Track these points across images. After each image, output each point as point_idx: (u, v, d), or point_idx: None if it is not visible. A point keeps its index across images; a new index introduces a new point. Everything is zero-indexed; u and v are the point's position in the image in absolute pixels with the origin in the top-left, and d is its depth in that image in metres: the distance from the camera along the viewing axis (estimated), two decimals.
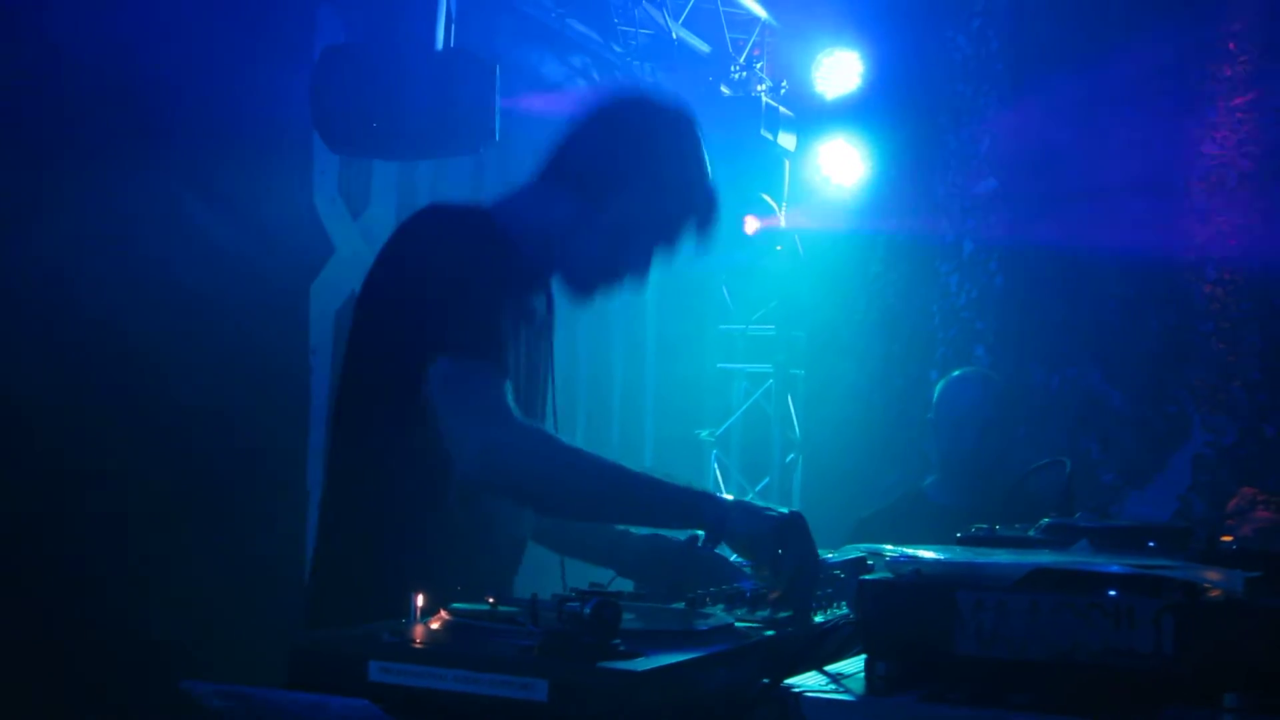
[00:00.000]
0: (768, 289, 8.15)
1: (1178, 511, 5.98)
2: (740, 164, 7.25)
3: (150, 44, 4.36)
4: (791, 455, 8.12)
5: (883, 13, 7.17)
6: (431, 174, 5.92)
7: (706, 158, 2.76)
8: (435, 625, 1.86)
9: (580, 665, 1.62)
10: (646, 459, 7.80)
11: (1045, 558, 1.98)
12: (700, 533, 2.55)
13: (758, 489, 8.03)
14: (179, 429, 4.44)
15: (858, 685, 1.86)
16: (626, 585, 2.66)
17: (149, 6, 4.35)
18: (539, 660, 1.65)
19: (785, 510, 2.44)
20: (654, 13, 7.22)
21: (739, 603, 2.23)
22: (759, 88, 7.75)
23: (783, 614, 2.19)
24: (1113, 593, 1.78)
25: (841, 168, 7.56)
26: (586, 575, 2.56)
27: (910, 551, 2.03)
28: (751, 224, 7.60)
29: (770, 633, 2.05)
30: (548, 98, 6.71)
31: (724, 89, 7.80)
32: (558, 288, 2.83)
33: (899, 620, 1.87)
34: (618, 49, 7.24)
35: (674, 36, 7.30)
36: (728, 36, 7.76)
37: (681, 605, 2.16)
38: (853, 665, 1.97)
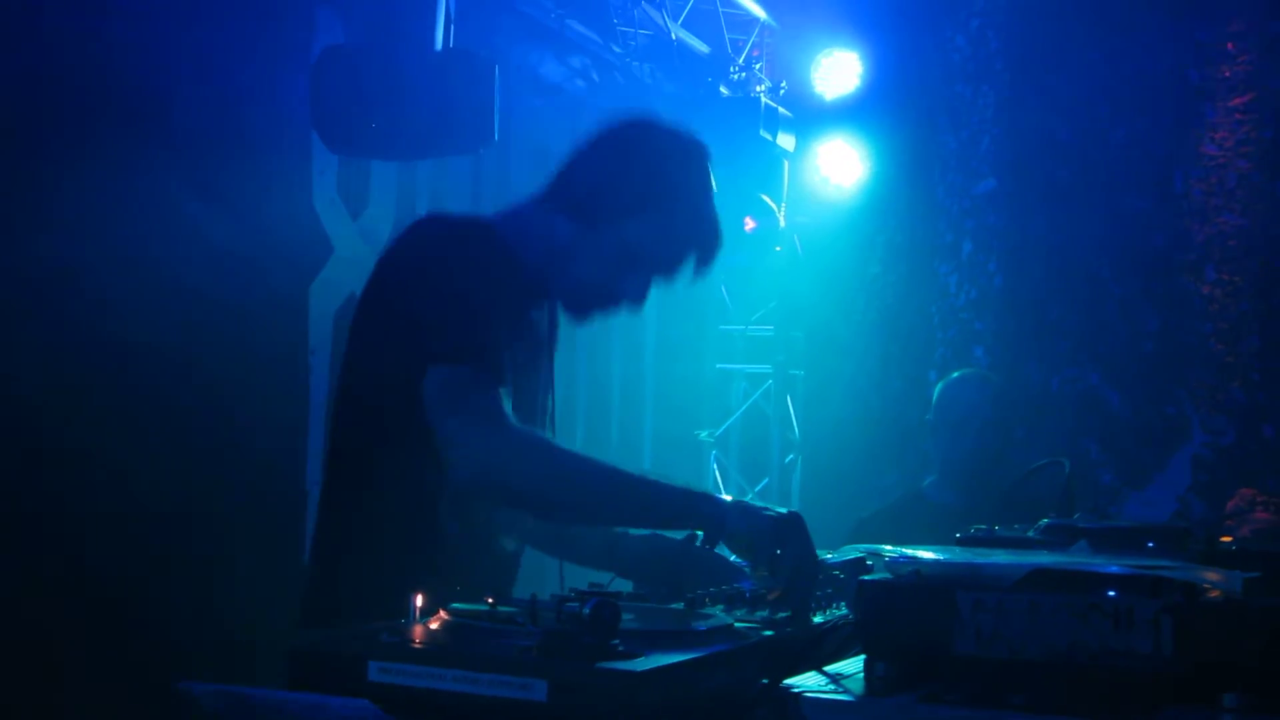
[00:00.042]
0: (767, 289, 8.15)
1: (1177, 512, 5.98)
2: (739, 164, 7.25)
3: (149, 44, 4.36)
4: (790, 456, 8.12)
5: (882, 13, 7.17)
6: (431, 174, 5.92)
7: (714, 191, 2.74)
8: (435, 625, 1.86)
9: (579, 665, 1.62)
10: (645, 459, 7.80)
11: (1044, 558, 1.98)
12: (699, 532, 2.55)
13: (757, 489, 8.03)
14: (178, 429, 4.44)
15: (857, 685, 1.86)
16: (626, 586, 2.66)
17: (148, 7, 4.35)
18: (538, 660, 1.65)
19: (783, 510, 2.44)
20: (653, 13, 7.22)
21: (738, 603, 2.23)
22: (758, 88, 7.75)
23: (781, 614, 2.19)
24: (1112, 593, 1.78)
25: (841, 168, 7.56)
26: (585, 578, 2.56)
27: (909, 552, 2.03)
28: (751, 224, 7.60)
29: (769, 633, 2.05)
30: (547, 98, 6.72)
31: (723, 89, 7.80)
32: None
33: (898, 621, 1.87)
34: (617, 49, 7.23)
35: (673, 37, 7.30)
36: (727, 37, 7.76)
37: (681, 605, 2.15)
38: (852, 665, 1.97)
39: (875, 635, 1.89)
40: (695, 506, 2.48)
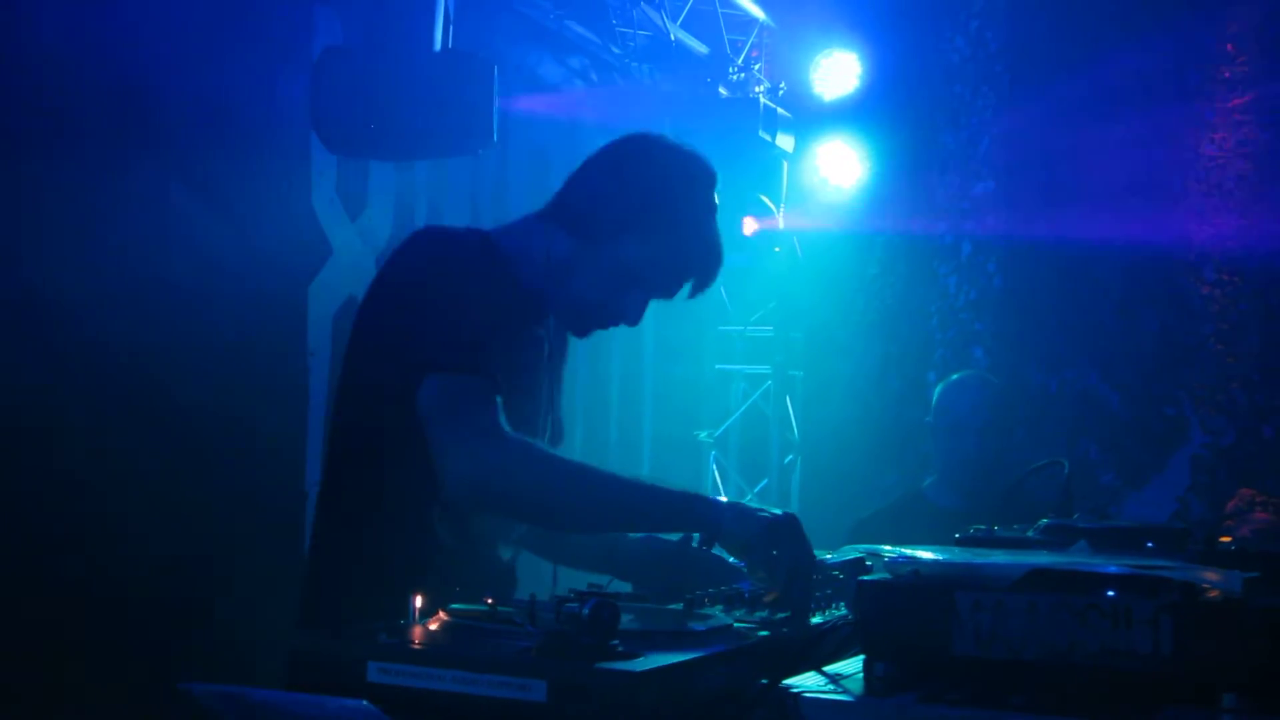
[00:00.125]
0: (766, 290, 8.15)
1: (1176, 512, 5.98)
2: (738, 165, 7.24)
3: (148, 45, 4.36)
4: (790, 456, 8.12)
5: (881, 14, 7.18)
6: (430, 175, 5.92)
7: (716, 212, 2.73)
8: (434, 626, 1.86)
9: (579, 666, 1.62)
10: (645, 460, 7.80)
11: (1043, 558, 1.98)
12: (696, 533, 2.55)
13: (756, 490, 8.03)
14: (177, 430, 4.44)
15: (856, 686, 1.86)
16: (625, 587, 2.66)
17: (147, 7, 4.35)
18: (537, 661, 1.65)
19: (779, 512, 2.44)
20: (652, 14, 7.21)
21: (737, 604, 2.23)
22: (757, 89, 7.74)
23: (780, 615, 2.19)
24: (1111, 593, 1.78)
25: (840, 169, 7.56)
26: (583, 580, 2.55)
27: (909, 552, 2.03)
28: (750, 225, 7.61)
29: (765, 633, 2.05)
30: (546, 99, 6.72)
31: (722, 90, 7.80)
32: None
33: (897, 621, 1.87)
34: (616, 50, 7.24)
35: (672, 38, 7.30)
36: (726, 38, 7.76)
37: (680, 606, 2.15)
38: (851, 666, 1.97)
39: (874, 635, 1.89)
40: (690, 509, 2.48)
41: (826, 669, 1.95)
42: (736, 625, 2.06)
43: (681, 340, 8.15)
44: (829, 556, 2.49)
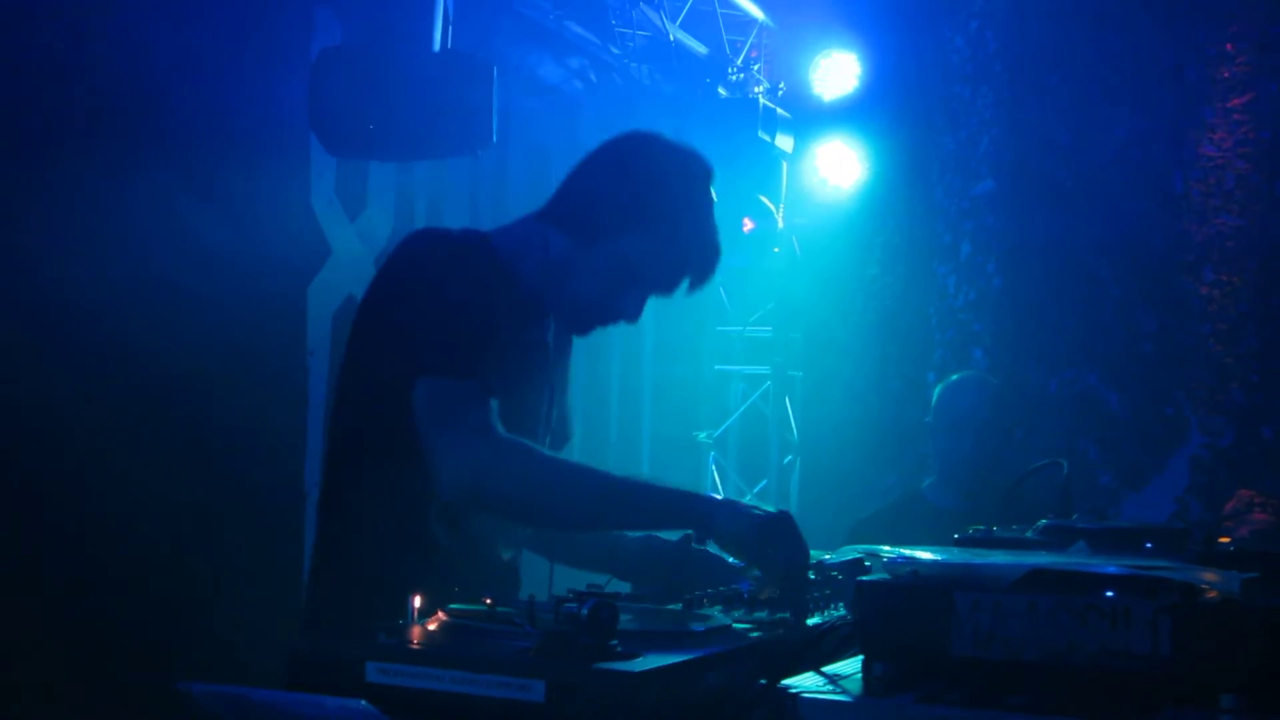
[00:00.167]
0: (765, 291, 8.15)
1: (1175, 513, 5.98)
2: (738, 166, 7.24)
3: (148, 46, 4.36)
4: (789, 457, 8.12)
5: (880, 14, 7.18)
6: (429, 175, 5.92)
7: (713, 209, 2.73)
8: (433, 626, 1.86)
9: (577, 666, 1.62)
10: (644, 461, 7.80)
11: (1042, 559, 1.98)
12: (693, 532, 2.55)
13: (755, 491, 8.02)
14: (177, 429, 4.44)
15: (855, 686, 1.86)
16: (624, 587, 2.66)
17: (146, 8, 4.35)
18: (536, 661, 1.65)
19: (773, 509, 2.45)
20: (651, 14, 7.21)
21: (736, 604, 2.23)
22: (756, 89, 7.74)
23: (780, 614, 2.19)
24: (1110, 594, 1.78)
25: (839, 169, 7.57)
26: (582, 580, 2.55)
27: (907, 553, 2.03)
28: (749, 225, 7.60)
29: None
30: (545, 99, 6.72)
31: (721, 91, 7.80)
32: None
33: (896, 621, 1.87)
34: (615, 51, 7.23)
35: (671, 38, 7.30)
36: (725, 38, 7.76)
37: (678, 606, 2.16)
38: (850, 666, 1.97)
39: (873, 636, 1.89)
40: (682, 507, 2.49)
41: (825, 669, 1.95)
42: (735, 626, 2.06)
43: (680, 341, 8.15)
44: (828, 557, 2.49)
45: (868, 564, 2.41)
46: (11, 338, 3.97)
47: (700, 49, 7.70)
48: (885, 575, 1.99)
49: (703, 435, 8.20)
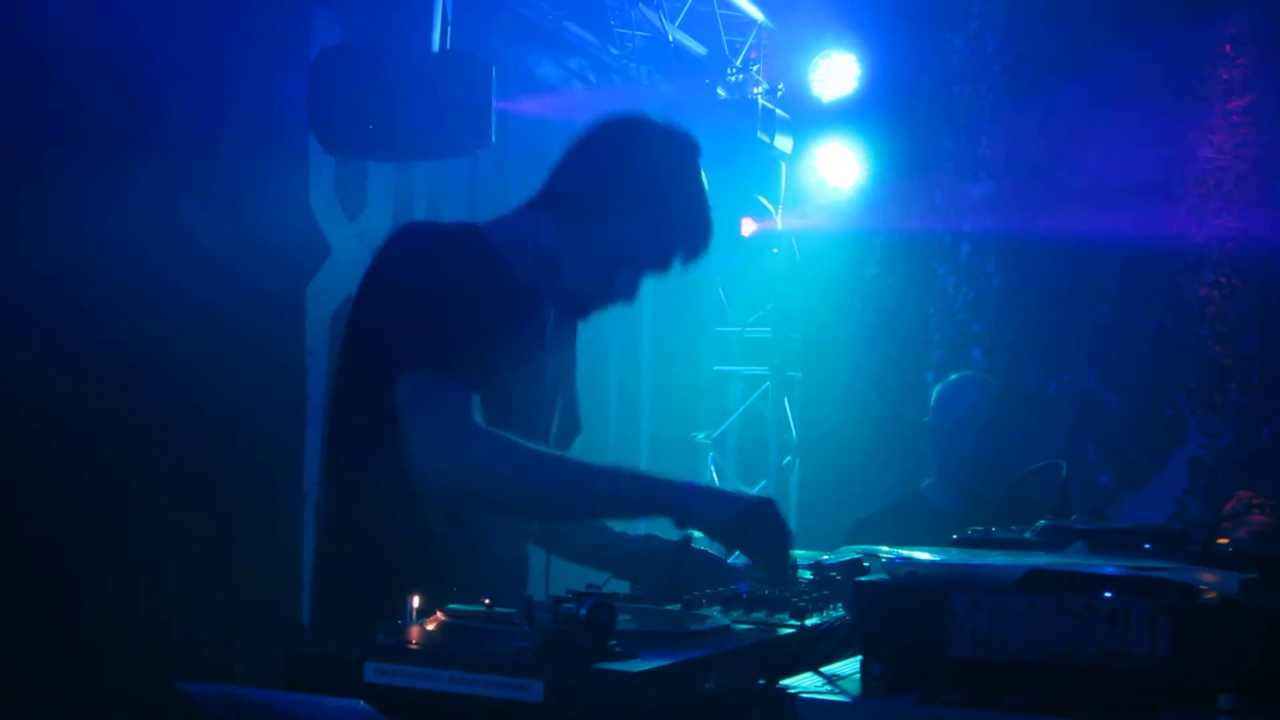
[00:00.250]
0: (764, 291, 8.15)
1: (1174, 514, 5.99)
2: (737, 166, 7.24)
3: (146, 46, 4.36)
4: (788, 458, 8.11)
5: (879, 15, 7.18)
6: (428, 176, 5.92)
7: (704, 185, 2.73)
8: (431, 627, 1.86)
9: (576, 666, 1.62)
10: (643, 461, 7.79)
11: (1041, 559, 1.98)
12: (694, 532, 2.55)
13: (754, 491, 8.01)
14: (176, 430, 4.44)
15: (853, 686, 1.86)
16: (623, 586, 2.66)
17: (145, 9, 4.35)
18: (535, 661, 1.65)
19: (755, 495, 2.46)
20: (650, 15, 7.21)
21: (735, 604, 2.23)
22: (755, 90, 7.74)
23: (777, 614, 2.19)
24: (1108, 594, 1.78)
25: (838, 170, 7.57)
26: (581, 579, 2.56)
27: (906, 553, 2.03)
28: (748, 226, 7.60)
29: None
30: (544, 100, 6.72)
31: (720, 91, 7.79)
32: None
33: (894, 621, 1.87)
34: (614, 51, 7.23)
35: (670, 39, 7.30)
36: (724, 39, 7.75)
37: (677, 607, 2.16)
38: (848, 666, 1.97)
39: (872, 636, 1.89)
40: (662, 495, 2.49)
41: (824, 669, 1.95)
42: (734, 626, 2.06)
43: (679, 341, 8.15)
44: (826, 557, 2.49)
45: (866, 564, 2.42)
46: (10, 338, 3.97)
47: (699, 50, 7.69)
48: (884, 576, 1.99)
49: (701, 436, 8.20)
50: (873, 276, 7.01)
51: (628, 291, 2.75)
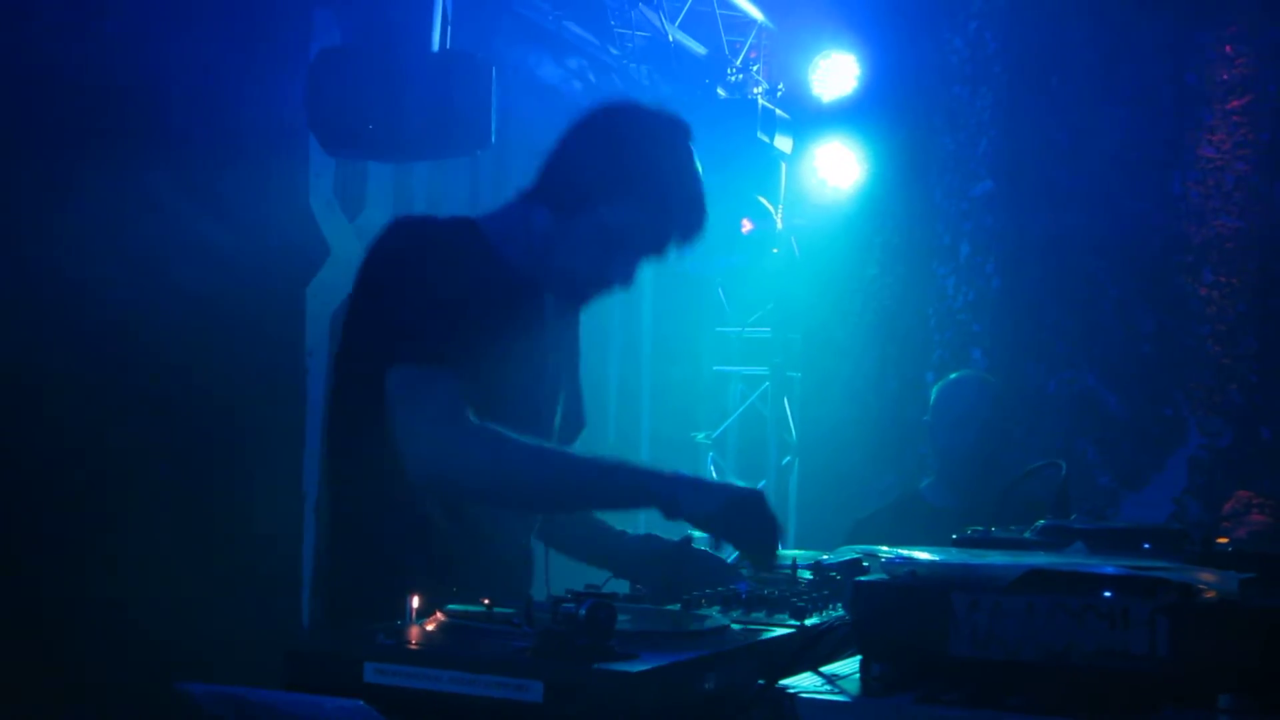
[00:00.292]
0: (764, 291, 8.14)
1: (1173, 514, 5.99)
2: (736, 166, 7.24)
3: (146, 46, 4.36)
4: (788, 458, 8.11)
5: (879, 15, 7.18)
6: (428, 176, 5.92)
7: (698, 169, 2.74)
8: (430, 627, 1.86)
9: (575, 666, 1.62)
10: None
11: (1040, 559, 1.98)
12: (694, 532, 2.55)
13: None
14: (175, 430, 4.44)
15: (853, 686, 1.86)
16: (622, 586, 2.66)
17: (144, 8, 4.35)
18: (534, 661, 1.65)
19: (744, 487, 2.46)
20: (650, 15, 7.21)
21: (734, 604, 2.24)
22: (755, 90, 7.74)
23: (777, 614, 2.19)
24: (1108, 594, 1.78)
25: (838, 170, 7.57)
26: (581, 579, 2.56)
27: (906, 553, 2.03)
28: (748, 226, 7.60)
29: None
30: (544, 100, 6.71)
31: (720, 91, 7.79)
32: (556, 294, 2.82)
33: (894, 621, 1.87)
34: (614, 51, 7.23)
35: (670, 39, 7.30)
36: (724, 39, 7.75)
37: (677, 606, 2.16)
38: (848, 666, 1.97)
39: (871, 636, 1.89)
40: (648, 487, 2.49)
41: (823, 669, 1.95)
42: (734, 626, 2.06)
43: (679, 341, 8.15)
44: (826, 557, 2.49)
45: (866, 564, 2.42)
46: (10, 338, 3.97)
47: (699, 50, 7.69)
48: (883, 575, 1.99)
49: (701, 436, 8.20)
50: (872, 276, 7.01)
51: (624, 277, 2.75)
